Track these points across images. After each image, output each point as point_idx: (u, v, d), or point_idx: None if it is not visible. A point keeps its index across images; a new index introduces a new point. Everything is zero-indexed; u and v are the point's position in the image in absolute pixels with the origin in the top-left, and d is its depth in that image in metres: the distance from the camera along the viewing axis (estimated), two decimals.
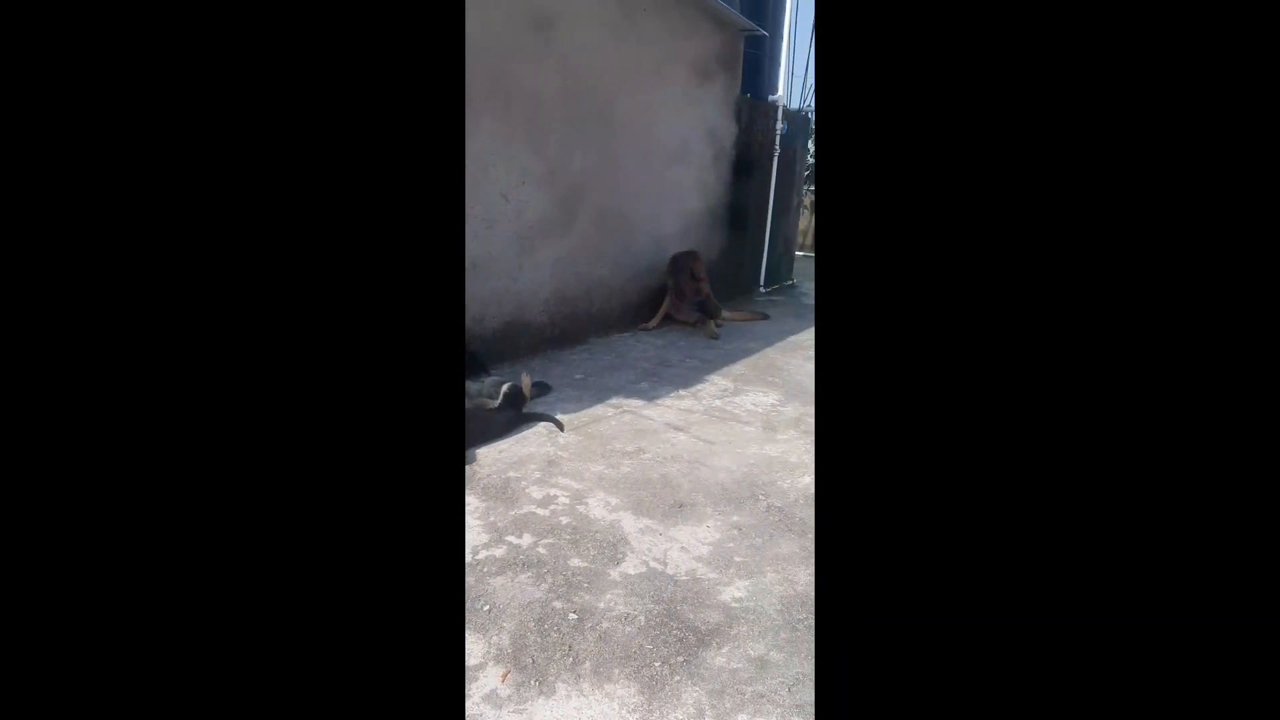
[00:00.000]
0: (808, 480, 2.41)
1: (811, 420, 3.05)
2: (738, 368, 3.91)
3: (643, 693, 1.38)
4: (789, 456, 2.63)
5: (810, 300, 6.28)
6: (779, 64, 5.93)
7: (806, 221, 10.17)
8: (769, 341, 4.56)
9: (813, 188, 10.11)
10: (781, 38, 5.89)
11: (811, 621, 1.63)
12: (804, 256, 10.03)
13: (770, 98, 5.87)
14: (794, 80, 6.23)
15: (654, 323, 4.74)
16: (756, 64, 5.82)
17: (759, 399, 3.34)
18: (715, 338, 4.52)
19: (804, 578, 1.81)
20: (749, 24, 5.04)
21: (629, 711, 1.34)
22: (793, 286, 6.97)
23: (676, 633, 1.57)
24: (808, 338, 4.74)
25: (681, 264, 4.73)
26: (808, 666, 1.47)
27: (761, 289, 6.43)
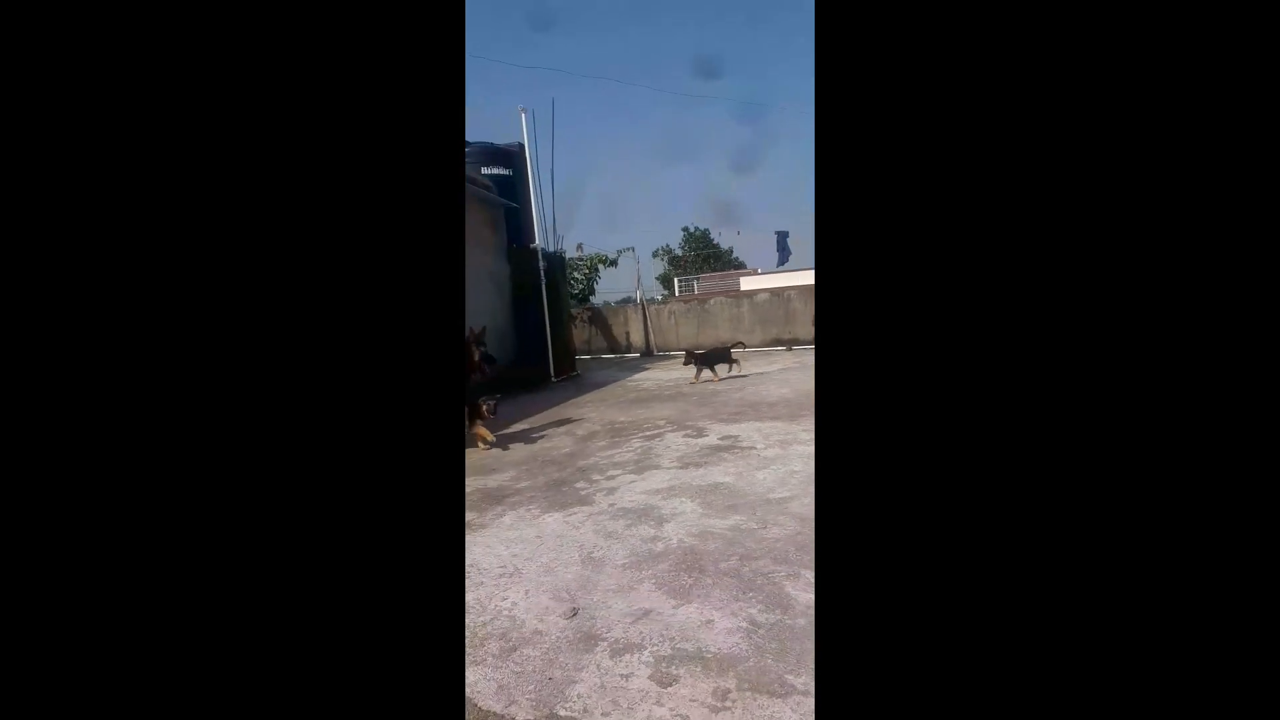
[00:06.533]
0: (587, 429, 4.27)
1: (583, 426, 4.97)
2: (545, 414, 5.74)
3: None
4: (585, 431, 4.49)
5: (587, 379, 8.45)
6: (533, 223, 8.45)
7: (586, 332, 12.75)
8: (565, 403, 6.51)
9: (587, 305, 12.84)
10: (532, 206, 8.46)
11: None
12: (591, 359, 12.49)
13: (531, 245, 8.29)
14: (546, 232, 8.78)
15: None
16: (519, 222, 8.26)
17: (561, 429, 5.20)
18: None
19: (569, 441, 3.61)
20: (505, 201, 7.48)
21: None
22: (577, 375, 9.14)
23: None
24: (584, 399, 6.79)
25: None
26: None
27: (554, 379, 8.48)
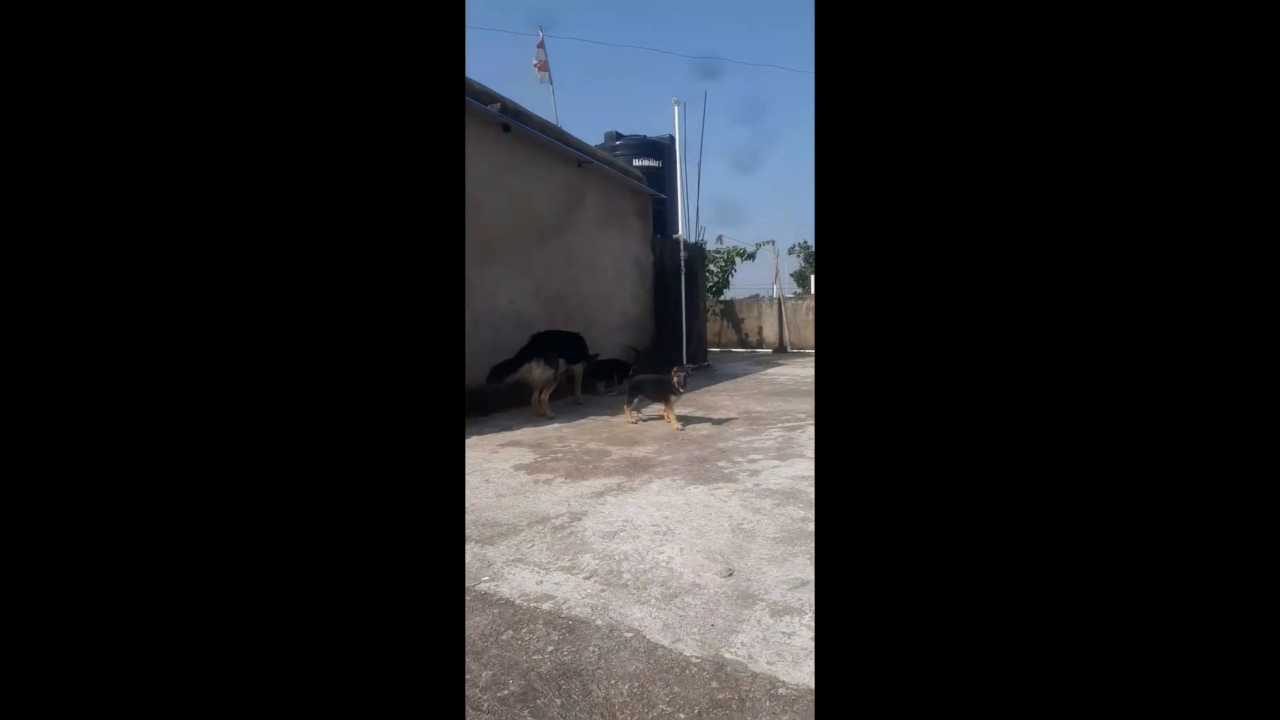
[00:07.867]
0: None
1: (719, 413, 5.04)
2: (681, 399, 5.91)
3: None
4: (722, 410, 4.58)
5: (719, 370, 8.49)
6: (678, 214, 8.62)
7: (717, 325, 12.77)
8: (698, 390, 6.64)
9: (720, 299, 12.86)
10: (677, 198, 8.64)
11: None
12: (721, 352, 12.51)
13: (674, 236, 8.47)
14: (689, 223, 8.90)
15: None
16: (662, 213, 8.48)
17: (698, 415, 5.33)
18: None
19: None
20: (653, 191, 7.72)
21: None
22: (709, 366, 9.23)
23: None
24: (718, 388, 6.85)
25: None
26: None
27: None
